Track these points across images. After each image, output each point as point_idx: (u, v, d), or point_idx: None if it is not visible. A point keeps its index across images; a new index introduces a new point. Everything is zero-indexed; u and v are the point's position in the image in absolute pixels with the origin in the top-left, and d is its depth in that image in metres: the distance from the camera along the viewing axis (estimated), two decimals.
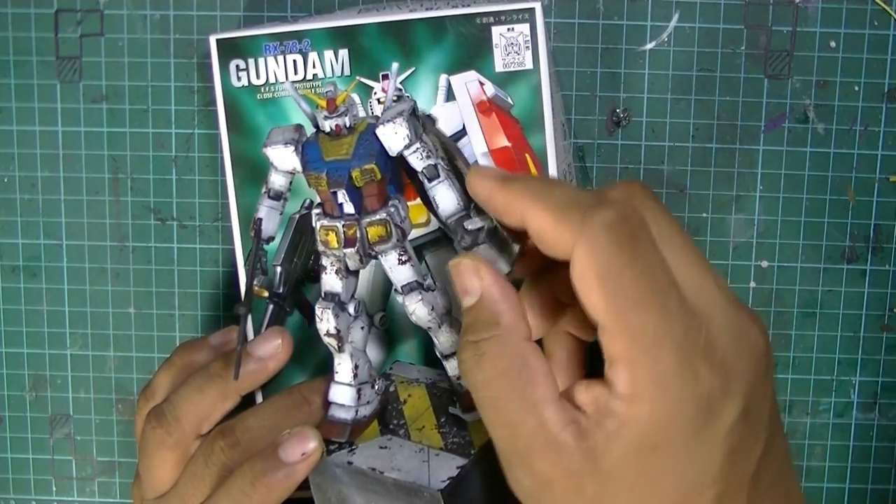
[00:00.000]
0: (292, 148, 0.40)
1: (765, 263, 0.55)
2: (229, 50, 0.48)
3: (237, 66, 0.48)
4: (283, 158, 0.41)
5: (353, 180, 0.39)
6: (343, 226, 0.39)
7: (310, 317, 0.49)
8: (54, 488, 0.59)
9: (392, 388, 0.45)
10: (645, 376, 0.31)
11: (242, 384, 0.44)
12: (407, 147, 0.39)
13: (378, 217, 0.39)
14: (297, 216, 0.48)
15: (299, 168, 0.40)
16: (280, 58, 0.47)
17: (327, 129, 0.40)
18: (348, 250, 0.39)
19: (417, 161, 0.40)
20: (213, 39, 0.48)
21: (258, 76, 0.48)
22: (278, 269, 0.48)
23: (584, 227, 0.32)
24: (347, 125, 0.40)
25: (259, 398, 0.48)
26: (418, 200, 0.47)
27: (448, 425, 0.42)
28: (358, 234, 0.39)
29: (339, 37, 0.47)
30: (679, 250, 0.33)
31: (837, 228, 0.55)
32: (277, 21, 0.54)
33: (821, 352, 0.56)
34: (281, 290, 0.48)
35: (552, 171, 0.46)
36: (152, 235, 0.57)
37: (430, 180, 0.40)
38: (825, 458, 0.57)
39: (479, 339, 0.34)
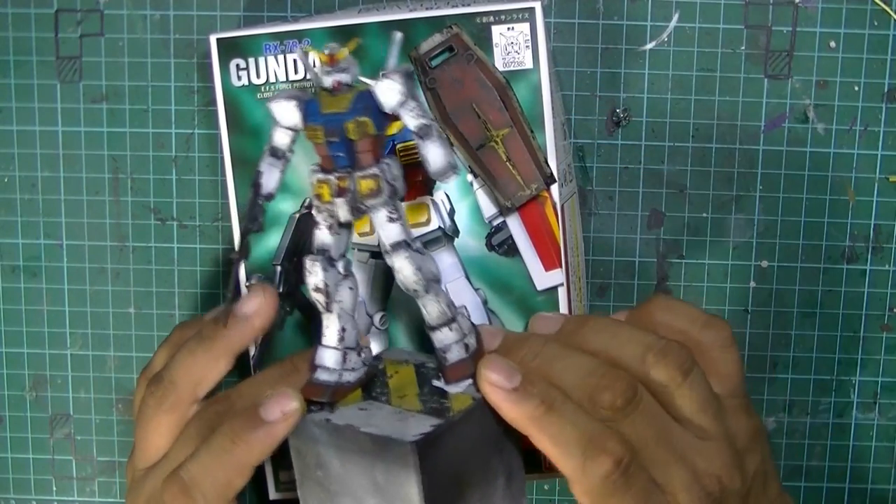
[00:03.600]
0: (294, 102, 0.41)
1: (765, 263, 0.55)
2: (229, 49, 0.48)
3: (237, 65, 0.48)
4: (285, 112, 0.41)
5: (348, 132, 0.40)
6: (336, 178, 0.40)
7: (310, 316, 0.49)
8: (54, 488, 0.59)
9: (381, 366, 0.45)
10: None
11: (232, 344, 0.45)
12: (402, 104, 0.40)
13: (370, 171, 0.40)
14: (298, 216, 0.48)
15: (300, 124, 0.41)
16: (280, 57, 0.47)
17: (327, 85, 0.40)
18: (339, 200, 0.40)
19: (411, 120, 0.40)
20: (213, 39, 0.48)
21: (258, 76, 0.48)
22: (278, 268, 0.48)
23: (583, 476, 0.39)
24: (347, 82, 0.40)
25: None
26: (418, 200, 0.48)
27: (430, 395, 0.42)
28: (350, 187, 0.40)
29: (340, 36, 0.47)
30: (652, 449, 0.40)
31: (837, 228, 0.55)
32: (277, 20, 0.54)
33: (821, 352, 0.56)
34: (281, 290, 0.48)
35: (553, 169, 0.46)
36: (152, 235, 0.57)
37: (422, 139, 0.40)
38: (825, 458, 0.57)
39: None
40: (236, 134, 0.48)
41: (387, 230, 0.41)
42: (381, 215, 0.41)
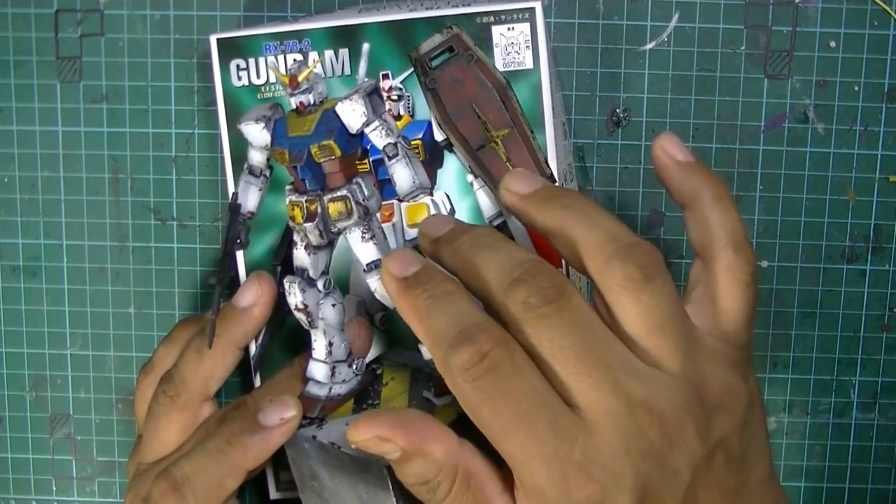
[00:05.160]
0: (262, 125, 0.41)
1: (765, 263, 0.56)
2: (229, 49, 0.48)
3: (237, 65, 0.48)
4: (255, 135, 0.42)
5: (313, 156, 0.40)
6: (306, 201, 0.40)
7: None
8: (54, 488, 0.59)
9: (379, 372, 0.45)
10: (522, 497, 0.34)
11: (237, 338, 0.46)
12: (366, 125, 0.40)
13: (339, 194, 0.40)
14: None
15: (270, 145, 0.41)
16: (280, 57, 0.47)
17: (293, 106, 0.40)
18: (308, 225, 0.40)
19: (378, 139, 0.40)
20: (213, 39, 0.48)
21: (258, 76, 0.48)
22: (278, 268, 0.48)
23: (446, 368, 0.33)
24: (312, 102, 0.40)
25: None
26: (418, 200, 0.47)
27: (418, 408, 0.42)
28: (319, 210, 0.40)
29: (340, 36, 0.47)
30: (571, 362, 0.33)
31: (837, 228, 0.55)
32: (277, 21, 0.54)
33: (821, 352, 0.56)
34: (280, 290, 0.48)
35: (553, 170, 0.46)
36: (152, 235, 0.57)
37: (389, 158, 0.40)
38: (825, 458, 0.57)
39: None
40: (237, 134, 0.48)
41: (361, 250, 0.41)
42: (354, 236, 0.41)
